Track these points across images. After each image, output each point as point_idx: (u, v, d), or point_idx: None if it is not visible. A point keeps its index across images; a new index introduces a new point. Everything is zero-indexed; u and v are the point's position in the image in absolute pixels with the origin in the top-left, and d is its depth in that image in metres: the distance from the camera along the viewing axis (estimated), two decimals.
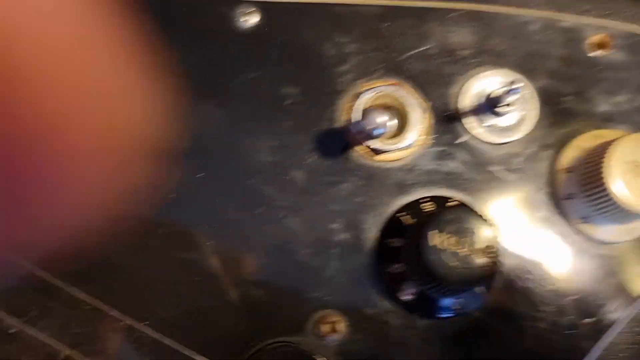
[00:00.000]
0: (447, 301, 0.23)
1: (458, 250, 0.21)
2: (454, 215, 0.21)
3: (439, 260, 0.21)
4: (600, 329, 0.23)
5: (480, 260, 0.21)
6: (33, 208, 0.10)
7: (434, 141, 0.24)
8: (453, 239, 0.21)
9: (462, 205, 0.22)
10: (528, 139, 0.25)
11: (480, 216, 0.21)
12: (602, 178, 0.23)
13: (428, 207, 0.23)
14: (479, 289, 0.23)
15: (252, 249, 0.23)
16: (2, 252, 0.11)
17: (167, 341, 0.22)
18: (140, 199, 0.12)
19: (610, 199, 0.23)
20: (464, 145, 0.25)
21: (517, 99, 0.24)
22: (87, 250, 0.13)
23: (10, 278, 0.21)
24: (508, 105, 0.24)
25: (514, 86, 0.22)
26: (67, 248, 0.11)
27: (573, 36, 0.26)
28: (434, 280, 0.21)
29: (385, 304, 0.23)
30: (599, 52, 0.26)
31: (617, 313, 0.24)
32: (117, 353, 0.22)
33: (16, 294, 0.22)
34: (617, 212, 0.23)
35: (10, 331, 0.22)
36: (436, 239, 0.21)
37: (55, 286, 0.22)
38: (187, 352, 0.22)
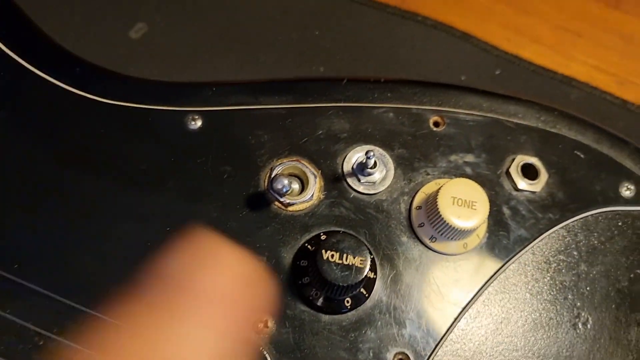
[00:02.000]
0: (340, 300, 0.33)
1: (340, 262, 0.32)
2: (338, 239, 0.32)
3: (329, 268, 0.32)
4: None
5: (355, 266, 0.32)
6: None
7: (325, 196, 0.36)
8: (337, 254, 0.32)
9: (344, 233, 0.33)
10: (391, 189, 0.37)
11: (356, 239, 0.33)
12: (438, 210, 0.34)
13: (323, 237, 0.34)
14: (361, 290, 0.34)
15: None
16: None
17: None
18: None
19: (445, 222, 0.34)
20: (347, 197, 0.36)
21: (377, 162, 0.36)
22: None
23: None
24: (372, 167, 0.36)
25: (369, 154, 0.35)
26: None
27: (418, 118, 0.39)
28: (328, 283, 0.32)
29: (300, 307, 0.33)
30: (436, 128, 0.39)
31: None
32: None
33: None
34: (450, 231, 0.35)
35: None
36: (327, 255, 0.32)
37: None
38: None
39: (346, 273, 0.32)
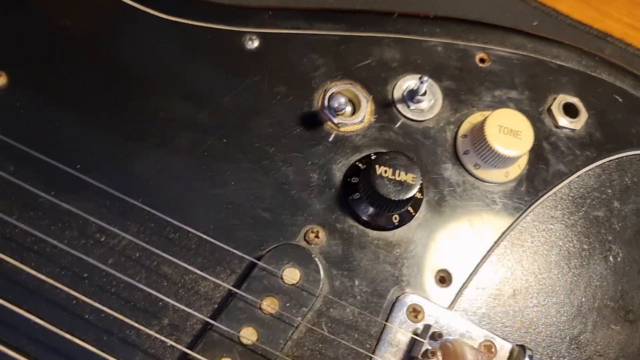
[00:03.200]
0: (389, 216, 0.35)
1: (393, 177, 0.33)
2: (392, 156, 0.34)
3: (381, 182, 0.33)
4: None
5: (407, 183, 0.33)
6: None
7: (375, 120, 0.37)
8: (390, 170, 0.33)
9: (397, 151, 0.34)
10: (438, 118, 0.38)
11: (409, 158, 0.34)
12: (485, 136, 0.36)
13: (373, 157, 0.36)
14: (409, 209, 0.35)
15: (264, 188, 0.35)
16: None
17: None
18: None
19: (490, 149, 0.36)
20: (396, 122, 0.38)
21: (427, 91, 0.37)
22: None
23: None
24: (422, 94, 0.37)
25: (422, 79, 0.36)
26: None
27: (465, 54, 0.40)
28: (380, 197, 0.33)
29: (349, 222, 0.35)
30: (482, 64, 0.40)
31: None
32: None
33: None
34: (495, 158, 0.36)
35: None
36: (380, 170, 0.33)
37: None
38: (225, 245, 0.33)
39: (398, 188, 0.33)
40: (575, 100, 0.40)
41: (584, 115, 0.40)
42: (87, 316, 0.31)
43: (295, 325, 0.32)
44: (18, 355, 0.29)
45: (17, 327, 0.30)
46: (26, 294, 0.31)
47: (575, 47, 0.42)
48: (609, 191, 0.39)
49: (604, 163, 0.39)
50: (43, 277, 0.30)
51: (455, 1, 0.50)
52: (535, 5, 0.53)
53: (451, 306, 0.34)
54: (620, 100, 0.41)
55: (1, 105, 0.35)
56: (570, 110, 0.40)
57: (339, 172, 0.36)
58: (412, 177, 0.33)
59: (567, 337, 0.35)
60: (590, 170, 0.39)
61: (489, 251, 0.36)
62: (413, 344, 0.33)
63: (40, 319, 0.30)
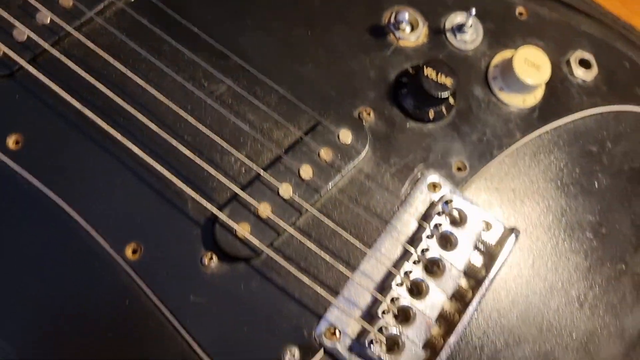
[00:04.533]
0: (426, 111, 0.44)
1: (436, 79, 0.43)
2: (438, 62, 0.43)
3: (427, 80, 0.43)
4: None
5: (446, 85, 0.43)
6: None
7: (427, 41, 0.47)
8: (434, 73, 0.43)
9: (443, 61, 0.44)
10: (476, 50, 0.48)
11: (451, 67, 0.43)
12: (512, 64, 0.45)
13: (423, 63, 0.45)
14: (443, 109, 0.45)
15: (335, 74, 0.45)
16: None
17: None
18: None
19: (515, 75, 0.45)
20: (443, 46, 0.47)
21: (472, 26, 0.47)
22: None
23: None
24: (468, 27, 0.47)
25: (471, 11, 0.45)
26: None
27: (508, 6, 0.50)
28: (423, 92, 0.43)
29: (395, 110, 0.45)
30: (520, 17, 0.50)
31: None
32: None
33: None
34: (517, 83, 0.45)
35: None
36: (427, 71, 0.43)
37: None
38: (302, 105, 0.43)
39: (439, 86, 0.43)
40: (590, 57, 0.49)
41: (595, 70, 0.49)
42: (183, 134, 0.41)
43: (343, 173, 0.42)
44: (137, 151, 0.39)
45: (135, 126, 0.40)
46: (144, 105, 0.41)
47: (600, 20, 0.51)
48: (605, 133, 0.48)
49: (605, 111, 0.48)
50: (161, 97, 0.41)
51: None
52: None
53: (462, 189, 0.44)
54: (628, 66, 0.50)
55: None
56: (584, 65, 0.49)
57: (392, 73, 0.46)
58: (450, 82, 0.43)
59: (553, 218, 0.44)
60: (592, 114, 0.48)
61: (498, 155, 0.45)
62: (428, 207, 0.42)
63: (151, 122, 0.40)
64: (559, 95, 0.48)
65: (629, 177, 0.47)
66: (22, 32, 0.41)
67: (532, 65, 0.45)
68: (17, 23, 0.41)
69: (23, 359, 0.37)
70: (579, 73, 0.48)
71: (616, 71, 0.49)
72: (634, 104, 0.49)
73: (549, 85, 0.47)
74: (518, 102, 0.46)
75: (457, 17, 0.48)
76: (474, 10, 0.45)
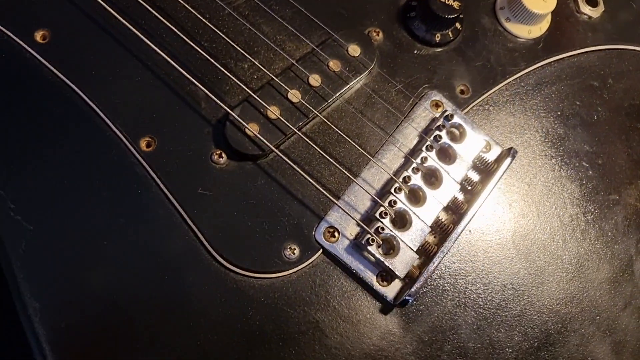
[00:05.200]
0: (433, 34, 0.46)
1: (444, 1, 0.45)
2: None
3: (435, 2, 0.44)
4: None
5: (454, 7, 0.44)
6: None
7: None
8: None
9: None
10: None
11: None
12: None
13: None
14: (449, 33, 0.46)
15: None
16: None
17: None
18: None
19: (522, 5, 0.47)
20: None
21: None
22: None
23: None
24: None
25: None
26: None
27: None
28: (431, 13, 0.45)
29: (403, 32, 0.46)
30: None
31: None
32: None
33: None
34: (524, 13, 0.47)
35: None
36: None
37: None
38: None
39: (446, 9, 0.44)
40: None
41: (601, 8, 0.50)
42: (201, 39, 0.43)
43: (350, 84, 0.43)
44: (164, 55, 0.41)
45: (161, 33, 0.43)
46: (166, 10, 0.43)
47: None
48: (607, 70, 0.49)
49: (608, 49, 0.50)
50: (182, 2, 0.43)
51: None
52: None
53: (464, 110, 0.46)
54: (634, 6, 0.51)
55: None
56: (591, 2, 0.50)
57: None
58: (458, 4, 0.45)
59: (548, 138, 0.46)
60: (596, 50, 0.49)
61: (502, 81, 0.47)
62: (430, 122, 0.44)
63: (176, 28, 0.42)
64: (564, 30, 0.49)
65: (628, 113, 0.49)
66: None
67: None
68: None
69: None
70: (586, 9, 0.50)
71: (622, 11, 0.51)
72: (638, 44, 0.50)
73: (555, 19, 0.48)
74: (523, 32, 0.48)
75: None
76: None
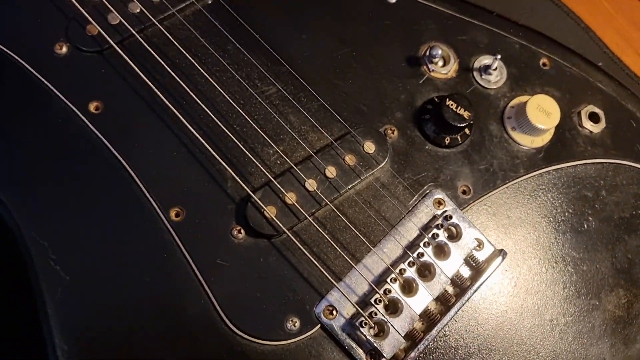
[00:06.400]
0: (443, 137, 0.51)
1: (456, 110, 0.49)
2: (460, 97, 0.50)
3: (447, 110, 0.49)
4: None
5: (464, 117, 0.49)
6: None
7: (456, 76, 0.53)
8: (455, 105, 0.49)
9: (462, 95, 0.50)
10: (498, 90, 0.54)
11: (470, 102, 0.50)
12: (525, 108, 0.51)
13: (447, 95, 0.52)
14: (458, 137, 0.51)
15: (368, 91, 0.52)
16: None
17: None
18: None
19: (527, 118, 0.51)
20: (469, 82, 0.53)
21: (497, 68, 0.53)
22: None
23: None
24: (493, 69, 0.53)
25: (497, 55, 0.52)
26: None
27: (533, 55, 0.56)
28: (443, 120, 0.49)
29: (416, 132, 0.51)
30: (543, 67, 0.56)
31: None
32: None
33: None
34: (528, 126, 0.51)
35: None
36: (449, 102, 0.49)
37: None
38: None
39: (457, 118, 0.49)
40: (600, 112, 0.55)
41: (602, 124, 0.54)
42: (233, 123, 0.49)
43: (362, 178, 0.48)
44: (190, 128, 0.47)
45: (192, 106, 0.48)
46: (204, 94, 0.49)
47: (619, 82, 0.57)
48: (602, 182, 0.53)
49: (605, 162, 0.54)
50: (219, 89, 0.48)
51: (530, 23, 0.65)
52: (604, 50, 0.67)
53: (463, 210, 0.50)
54: (634, 125, 0.55)
55: None
56: (593, 118, 0.54)
57: (419, 100, 0.52)
58: (468, 115, 0.49)
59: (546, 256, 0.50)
60: (593, 163, 0.54)
61: (502, 185, 0.51)
62: (430, 219, 0.49)
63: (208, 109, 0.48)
64: (565, 142, 0.53)
65: (617, 225, 0.53)
66: (115, 17, 0.49)
67: (543, 111, 0.51)
68: (112, 9, 0.49)
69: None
70: (588, 125, 0.54)
71: (622, 128, 0.55)
72: (634, 160, 0.54)
73: (558, 131, 0.53)
74: (527, 142, 0.52)
75: (485, 59, 0.54)
76: (499, 56, 0.52)
